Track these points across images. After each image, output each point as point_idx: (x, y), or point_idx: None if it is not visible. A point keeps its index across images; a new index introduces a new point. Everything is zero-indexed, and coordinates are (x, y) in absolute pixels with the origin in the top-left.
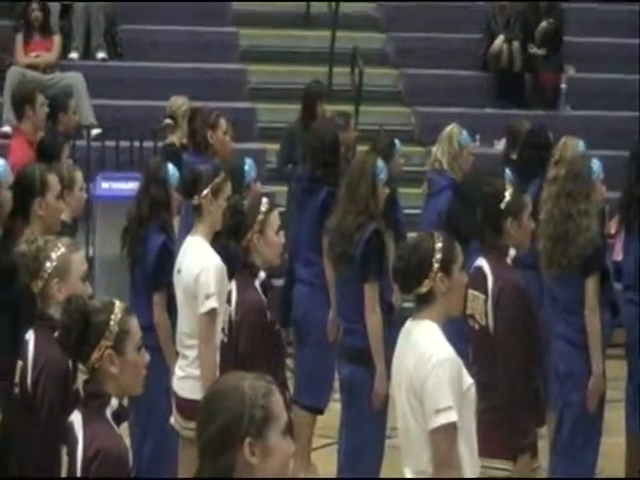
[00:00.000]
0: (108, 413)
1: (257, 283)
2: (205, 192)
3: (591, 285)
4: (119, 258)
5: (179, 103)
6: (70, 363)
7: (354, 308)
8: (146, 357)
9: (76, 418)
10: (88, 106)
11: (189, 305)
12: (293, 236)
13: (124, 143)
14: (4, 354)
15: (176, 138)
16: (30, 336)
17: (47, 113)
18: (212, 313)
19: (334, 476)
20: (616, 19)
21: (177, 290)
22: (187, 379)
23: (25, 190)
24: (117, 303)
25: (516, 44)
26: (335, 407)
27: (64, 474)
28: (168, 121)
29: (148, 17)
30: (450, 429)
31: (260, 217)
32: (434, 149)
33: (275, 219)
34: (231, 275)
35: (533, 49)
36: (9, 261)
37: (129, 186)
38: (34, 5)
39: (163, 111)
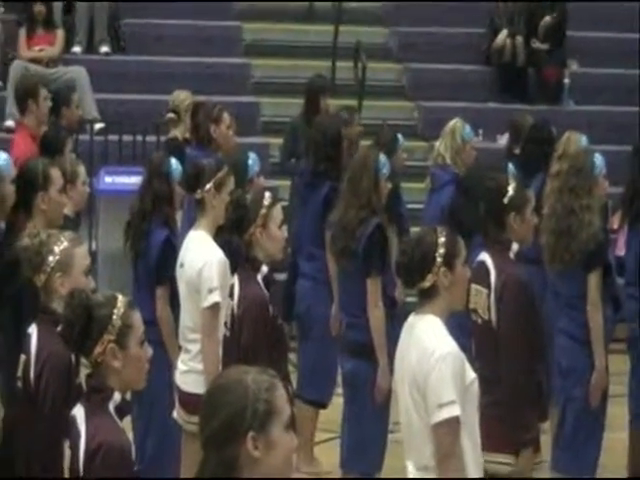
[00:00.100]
0: (111, 407)
1: (259, 277)
2: (208, 186)
3: (593, 280)
4: (122, 252)
5: (182, 97)
6: (73, 357)
7: (357, 303)
8: (149, 351)
9: (79, 412)
10: (91, 100)
11: (192, 299)
12: (296, 230)
13: (127, 137)
14: (7, 348)
15: (179, 132)
16: (33, 330)
17: (50, 107)
18: (215, 307)
19: (337, 470)
20: (619, 14)
21: (180, 284)
22: (190, 373)
23: (28, 184)
24: (120, 297)
25: (519, 39)
26: (338, 401)
27: (66, 468)
28: (171, 115)
29: (151, 11)
30: (453, 423)
31: (263, 211)
32: (437, 144)
33: (278, 213)
34: (234, 269)
35: (536, 44)
36: (12, 255)
37: (132, 180)
38: None
39: (166, 105)
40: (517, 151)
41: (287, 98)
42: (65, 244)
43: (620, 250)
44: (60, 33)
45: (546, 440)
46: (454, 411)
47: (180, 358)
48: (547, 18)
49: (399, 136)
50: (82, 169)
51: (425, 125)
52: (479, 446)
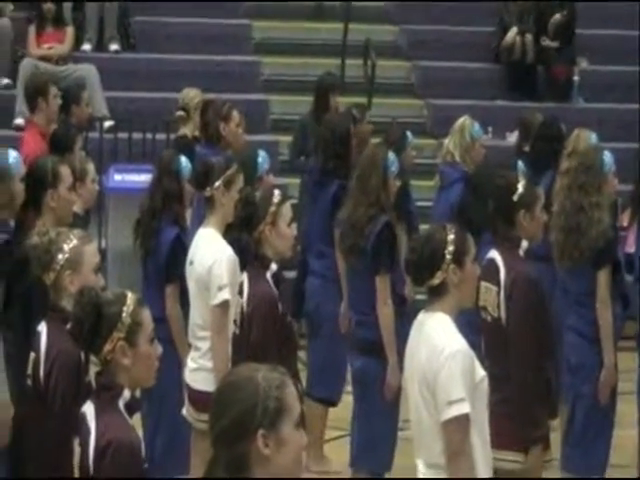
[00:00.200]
0: (121, 404)
1: (269, 275)
2: (217, 184)
3: (602, 277)
4: (131, 250)
5: (192, 95)
6: (82, 355)
7: (366, 300)
8: (158, 349)
9: (89, 409)
10: (101, 98)
11: (201, 297)
12: (305, 228)
13: (137, 135)
14: (17, 346)
15: (188, 130)
16: (42, 328)
17: (60, 105)
18: (225, 305)
19: (346, 468)
20: (628, 12)
21: (189, 282)
22: (199, 371)
23: (37, 182)
24: (129, 295)
25: (529, 36)
26: (347, 399)
27: (76, 465)
28: (180, 113)
29: (161, 9)
30: (462, 421)
31: (272, 209)
32: (446, 141)
33: (287, 211)
34: (243, 267)
35: (546, 41)
36: (21, 253)
37: (142, 178)
38: None
39: (176, 103)
40: (526, 149)
41: (296, 96)
42: (74, 242)
43: (630, 247)
44: (70, 31)
45: (556, 438)
46: (464, 408)
47: (190, 356)
48: (557, 16)
49: (408, 133)
50: (91, 167)
51: (434, 123)
52: (489, 444)
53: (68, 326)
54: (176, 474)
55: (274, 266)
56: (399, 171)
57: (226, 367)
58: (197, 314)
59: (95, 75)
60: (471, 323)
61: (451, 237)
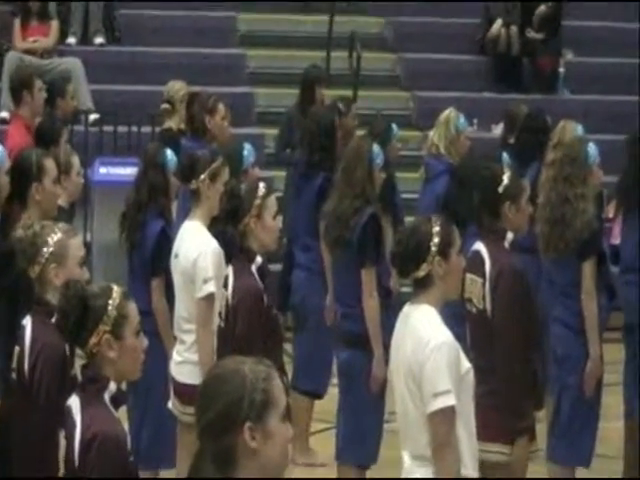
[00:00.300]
0: (106, 397)
1: (254, 268)
2: (202, 177)
3: (588, 269)
4: (117, 243)
5: (177, 88)
6: (67, 348)
7: (351, 293)
8: (144, 342)
9: (74, 402)
10: (86, 91)
11: (187, 290)
12: (291, 221)
13: (122, 128)
14: (3, 340)
15: (174, 123)
16: (27, 321)
17: (45, 98)
18: (210, 297)
19: (332, 461)
20: (614, 3)
21: (174, 275)
22: (185, 364)
23: (22, 175)
24: (115, 288)
25: (514, 28)
26: (333, 392)
27: (62, 458)
28: (166, 106)
29: (146, 2)
30: (448, 413)
31: (257, 202)
32: (431, 134)
33: (272, 204)
34: (228, 260)
35: (531, 33)
36: (6, 247)
37: (127, 171)
38: None
39: (161, 96)
40: (511, 141)
41: (282, 88)
42: (59, 235)
43: (615, 239)
44: (55, 24)
45: (541, 429)
46: (449, 400)
47: (175, 349)
48: (542, 7)
49: (393, 126)
50: (76, 160)
51: (420, 115)
52: (474, 436)
53: (53, 319)
54: (162, 467)
55: (259, 259)
56: (384, 163)
57: (211, 360)
58: (182, 307)
59: (80, 68)
60: (456, 315)
61: (436, 229)
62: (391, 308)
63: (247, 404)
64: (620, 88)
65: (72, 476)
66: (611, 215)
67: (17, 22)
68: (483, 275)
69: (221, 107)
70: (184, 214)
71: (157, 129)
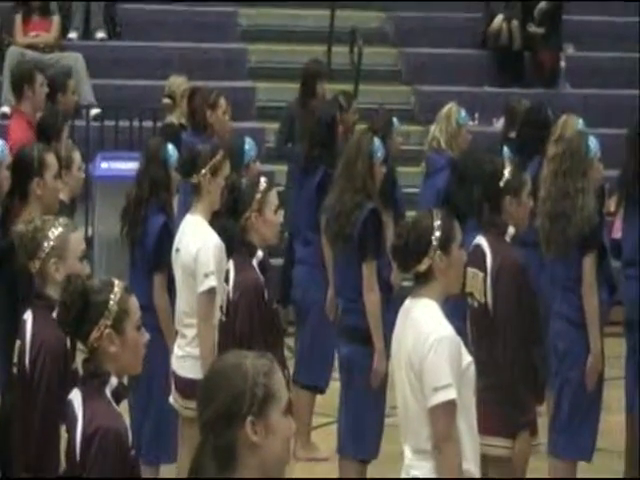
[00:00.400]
0: (108, 392)
1: (255, 262)
2: (204, 171)
3: (588, 263)
4: (118, 238)
5: (178, 83)
6: (68, 342)
7: (352, 287)
8: (146, 336)
9: (76, 397)
10: (88, 86)
11: (188, 284)
12: (292, 216)
13: (123, 123)
14: (4, 334)
15: (175, 118)
16: (28, 316)
17: (46, 93)
18: (211, 292)
19: (334, 455)
20: None
21: (176, 269)
22: (186, 358)
23: (23, 170)
24: (116, 282)
25: (515, 23)
26: (335, 386)
27: (63, 452)
28: (167, 101)
29: None
30: (449, 407)
31: (258, 196)
32: (432, 128)
33: (273, 198)
34: (229, 254)
35: (532, 28)
36: (7, 241)
37: (128, 166)
38: None
39: (162, 91)
40: (512, 135)
41: (283, 83)
42: (60, 230)
43: (617, 233)
44: (56, 19)
45: (543, 423)
46: (450, 394)
47: (176, 343)
48: (543, 2)
49: (394, 120)
50: (77, 154)
51: (421, 109)
52: (476, 429)
53: (54, 314)
54: (163, 461)
55: (260, 253)
56: (385, 157)
57: (212, 354)
58: (183, 301)
59: (82, 63)
60: (457, 309)
61: (437, 223)
62: (392, 303)
63: (249, 399)
64: (620, 82)
65: (73, 470)
66: (612, 209)
67: (19, 17)
68: (484, 269)
69: (222, 102)
70: (185, 209)
71: (158, 124)
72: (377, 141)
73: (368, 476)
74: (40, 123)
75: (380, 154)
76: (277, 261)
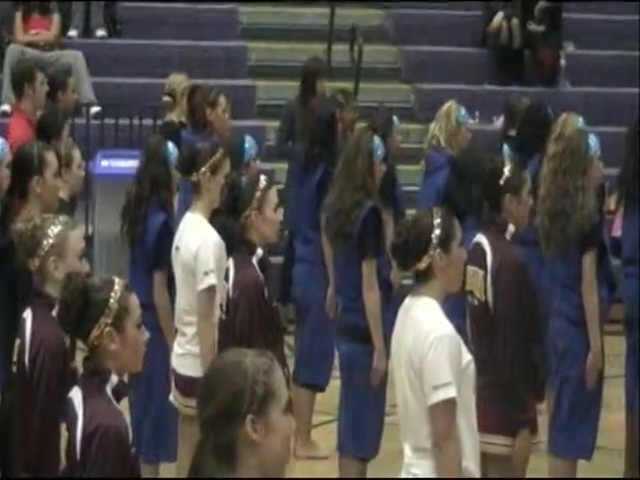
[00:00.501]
0: (108, 390)
1: (255, 260)
2: (203, 169)
3: (588, 261)
4: (118, 236)
5: (178, 81)
6: (68, 341)
7: (352, 285)
8: (146, 334)
9: (76, 395)
10: (88, 84)
11: (188, 282)
12: (292, 214)
13: (123, 121)
14: (4, 333)
15: (175, 116)
16: (27, 314)
17: (46, 91)
18: (211, 290)
19: (334, 453)
20: None
21: (175, 267)
22: (186, 356)
23: (23, 168)
24: (117, 281)
25: (515, 21)
26: (335, 384)
27: (63, 450)
28: (167, 99)
29: None
30: (449, 405)
31: (258, 194)
32: (432, 126)
33: (273, 196)
34: (229, 252)
35: (532, 26)
36: (7, 239)
37: (128, 164)
38: None
39: (162, 89)
40: (512, 133)
41: (283, 81)
42: (59, 228)
43: (617, 231)
44: (56, 17)
45: (543, 421)
46: (450, 393)
47: (176, 341)
48: (543, 0)
49: (394, 118)
50: (77, 153)
51: (421, 107)
52: (476, 428)
53: (54, 312)
54: (163, 459)
55: (260, 251)
56: (385, 156)
57: (212, 352)
58: (183, 299)
59: (82, 61)
60: (457, 307)
61: (437, 221)
62: (392, 301)
63: (249, 397)
64: (620, 80)
65: (73, 468)
66: (612, 207)
67: (19, 15)
68: (484, 267)
69: (222, 100)
70: (185, 207)
71: (159, 122)
72: (377, 139)
73: (368, 474)
74: (40, 121)
75: (380, 152)
76: (277, 259)
